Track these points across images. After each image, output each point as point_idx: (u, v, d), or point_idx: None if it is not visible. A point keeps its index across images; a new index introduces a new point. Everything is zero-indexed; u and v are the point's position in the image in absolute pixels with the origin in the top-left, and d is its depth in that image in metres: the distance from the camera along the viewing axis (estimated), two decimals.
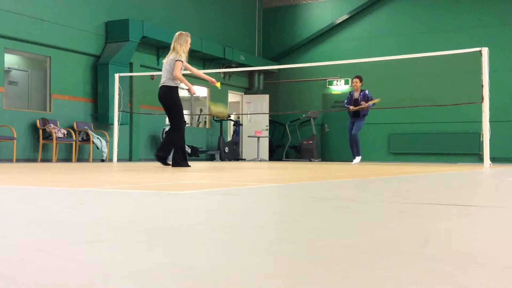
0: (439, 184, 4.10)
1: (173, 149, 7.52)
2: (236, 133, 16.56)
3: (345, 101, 12.21)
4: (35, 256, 1.06)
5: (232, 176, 4.79)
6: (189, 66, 7.80)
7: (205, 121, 16.79)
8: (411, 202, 2.33)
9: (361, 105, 11.70)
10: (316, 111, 16.64)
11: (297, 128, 17.30)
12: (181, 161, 7.39)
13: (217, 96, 16.75)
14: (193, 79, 12.32)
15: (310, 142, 16.46)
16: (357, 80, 11.91)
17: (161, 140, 7.83)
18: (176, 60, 7.35)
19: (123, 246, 1.18)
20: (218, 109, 9.43)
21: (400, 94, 15.77)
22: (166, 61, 7.53)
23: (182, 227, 1.50)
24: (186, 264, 0.98)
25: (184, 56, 7.47)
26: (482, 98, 8.82)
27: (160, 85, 7.53)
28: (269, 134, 17.50)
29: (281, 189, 3.25)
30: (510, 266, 1.01)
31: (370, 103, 11.76)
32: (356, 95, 11.95)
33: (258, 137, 16.44)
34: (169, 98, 7.43)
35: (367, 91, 11.92)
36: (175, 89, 7.47)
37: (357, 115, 11.99)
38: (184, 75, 7.65)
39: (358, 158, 12.14)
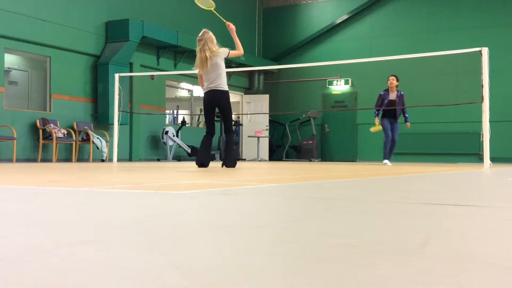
0: (439, 184, 4.10)
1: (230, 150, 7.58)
2: (236, 133, 16.56)
3: (377, 103, 11.11)
4: (35, 256, 1.06)
5: (232, 176, 4.79)
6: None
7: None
8: (411, 202, 2.33)
9: (398, 106, 10.85)
10: (316, 111, 16.65)
11: (297, 128, 17.30)
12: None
13: None
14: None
15: (310, 142, 16.46)
16: (394, 78, 10.95)
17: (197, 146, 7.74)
18: (228, 51, 7.41)
19: (123, 246, 1.18)
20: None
21: None
22: (205, 67, 7.29)
23: (182, 227, 1.50)
24: (186, 264, 0.98)
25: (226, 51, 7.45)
26: (482, 98, 8.81)
27: (211, 89, 7.37)
28: (269, 134, 17.50)
29: (281, 189, 3.25)
30: (510, 266, 1.01)
31: (408, 124, 11.15)
32: (393, 96, 10.93)
33: (258, 137, 16.44)
34: (226, 101, 7.40)
35: (403, 93, 11.06)
36: (228, 94, 7.49)
37: (395, 116, 11.09)
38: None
39: (387, 161, 11.25)
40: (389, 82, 10.99)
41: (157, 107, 14.39)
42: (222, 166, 7.53)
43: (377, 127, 11.20)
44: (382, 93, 11.11)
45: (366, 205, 2.23)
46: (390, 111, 11.02)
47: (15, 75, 12.48)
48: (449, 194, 2.99)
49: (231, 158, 7.51)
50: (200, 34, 7.40)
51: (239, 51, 7.52)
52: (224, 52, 7.37)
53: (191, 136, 15.34)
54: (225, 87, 7.39)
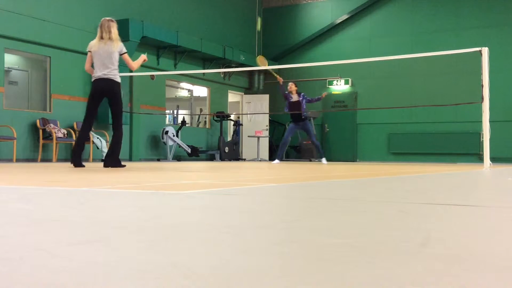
0: (439, 184, 4.10)
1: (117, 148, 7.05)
2: (236, 133, 16.56)
3: (285, 108, 12.31)
4: (35, 256, 1.06)
5: (232, 176, 4.79)
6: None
7: (205, 121, 16.79)
8: (411, 202, 2.33)
9: (303, 107, 11.99)
10: (316, 111, 16.64)
11: None
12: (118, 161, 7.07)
13: (217, 96, 16.75)
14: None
15: (310, 142, 16.45)
16: (293, 84, 12.21)
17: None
18: (124, 53, 7.18)
19: (123, 246, 1.18)
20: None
21: (400, 94, 15.78)
22: (102, 50, 7.07)
23: (182, 227, 1.50)
24: (186, 264, 0.98)
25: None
26: (482, 98, 8.81)
27: (101, 77, 7.11)
28: (269, 134, 17.49)
29: (281, 189, 3.25)
30: (510, 266, 1.01)
31: (323, 95, 12.29)
32: (295, 97, 12.05)
33: (258, 137, 16.44)
34: (117, 92, 7.13)
35: (303, 93, 12.24)
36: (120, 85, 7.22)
37: (300, 119, 12.08)
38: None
39: (324, 159, 12.67)
40: (288, 87, 12.19)
41: (157, 107, 14.39)
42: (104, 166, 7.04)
43: (279, 78, 12.37)
44: (287, 92, 12.21)
45: (366, 205, 2.23)
46: (295, 113, 12.05)
47: (15, 75, 12.48)
48: (449, 194, 2.99)
49: (114, 157, 7.03)
50: (108, 19, 7.24)
51: (132, 65, 7.38)
52: (122, 46, 7.19)
53: (191, 136, 15.34)
54: (118, 78, 7.21)
